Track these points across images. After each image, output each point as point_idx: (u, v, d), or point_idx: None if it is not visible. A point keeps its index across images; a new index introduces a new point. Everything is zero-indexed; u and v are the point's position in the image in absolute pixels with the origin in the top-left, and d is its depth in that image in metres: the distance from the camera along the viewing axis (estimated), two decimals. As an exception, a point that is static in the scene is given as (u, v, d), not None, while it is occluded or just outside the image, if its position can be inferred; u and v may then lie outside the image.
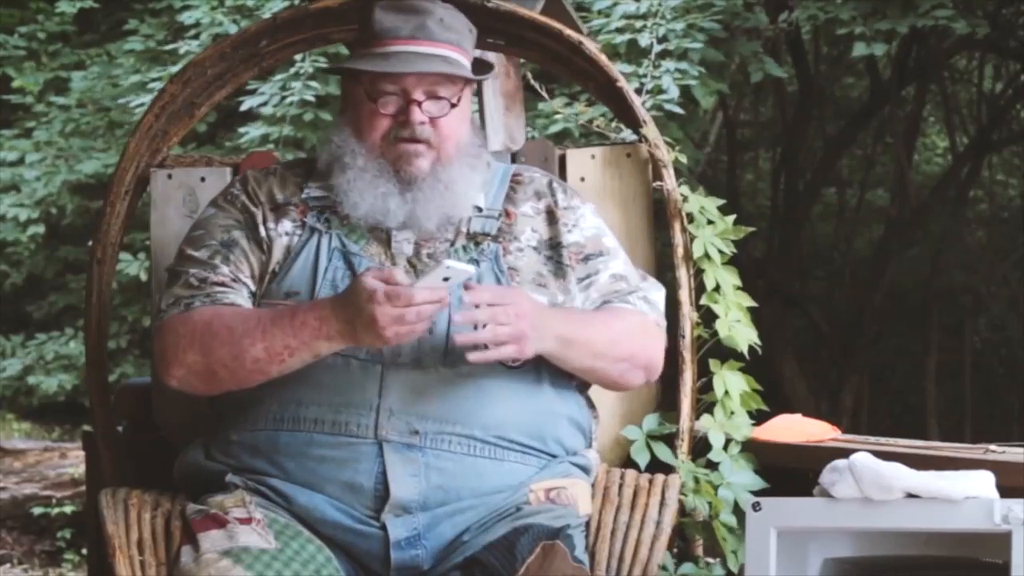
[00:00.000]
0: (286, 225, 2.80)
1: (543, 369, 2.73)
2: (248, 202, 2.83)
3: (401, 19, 2.75)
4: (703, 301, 3.03)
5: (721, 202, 3.11)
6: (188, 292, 2.74)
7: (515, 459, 2.70)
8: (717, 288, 3.04)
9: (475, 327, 2.60)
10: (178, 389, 2.73)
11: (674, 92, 5.56)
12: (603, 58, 3.15)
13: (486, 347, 2.60)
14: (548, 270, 2.82)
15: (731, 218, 3.09)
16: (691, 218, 3.07)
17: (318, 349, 2.62)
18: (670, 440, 3.00)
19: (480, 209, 2.82)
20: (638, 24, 5.82)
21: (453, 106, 2.75)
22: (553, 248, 2.83)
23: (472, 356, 2.59)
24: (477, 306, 2.59)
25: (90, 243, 3.18)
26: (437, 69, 2.73)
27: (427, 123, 2.75)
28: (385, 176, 2.75)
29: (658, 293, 2.88)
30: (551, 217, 2.85)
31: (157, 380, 2.87)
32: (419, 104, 2.74)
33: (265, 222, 2.80)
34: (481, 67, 2.85)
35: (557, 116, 5.66)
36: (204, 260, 2.77)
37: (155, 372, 2.84)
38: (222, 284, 2.75)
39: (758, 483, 2.95)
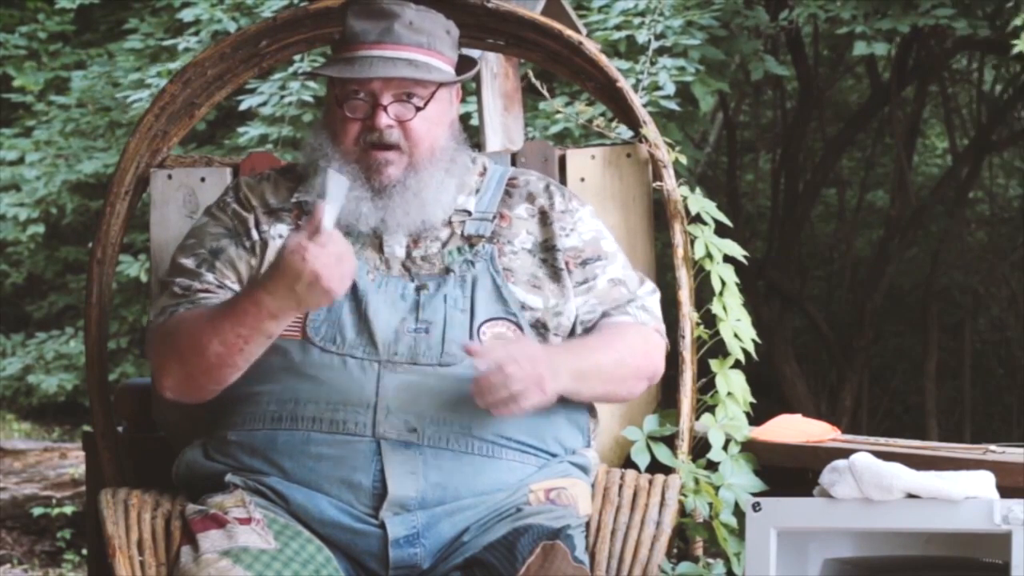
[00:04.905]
0: (280, 228, 2.81)
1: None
2: (239, 208, 2.84)
3: (370, 24, 2.76)
4: (713, 307, 3.03)
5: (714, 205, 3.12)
6: (173, 301, 2.77)
7: (514, 457, 2.70)
8: (722, 291, 3.04)
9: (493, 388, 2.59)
10: (176, 400, 2.74)
11: (670, 89, 5.56)
12: (603, 58, 3.15)
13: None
14: (543, 272, 2.82)
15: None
16: (694, 218, 3.07)
17: (268, 330, 2.62)
18: (670, 441, 3.00)
19: (470, 212, 2.82)
20: (636, 21, 5.82)
21: (419, 109, 2.75)
22: (547, 251, 2.84)
23: (500, 411, 2.61)
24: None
25: (90, 243, 3.18)
26: (400, 74, 2.74)
27: (395, 127, 2.75)
28: (358, 181, 2.76)
29: (654, 298, 2.89)
30: (544, 219, 2.86)
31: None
32: (385, 108, 2.74)
33: (258, 225, 2.82)
34: (464, 66, 2.85)
35: (558, 116, 5.67)
36: (191, 269, 2.79)
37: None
38: (206, 291, 2.76)
39: (758, 484, 2.95)
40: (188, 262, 2.81)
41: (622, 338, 2.80)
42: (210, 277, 2.78)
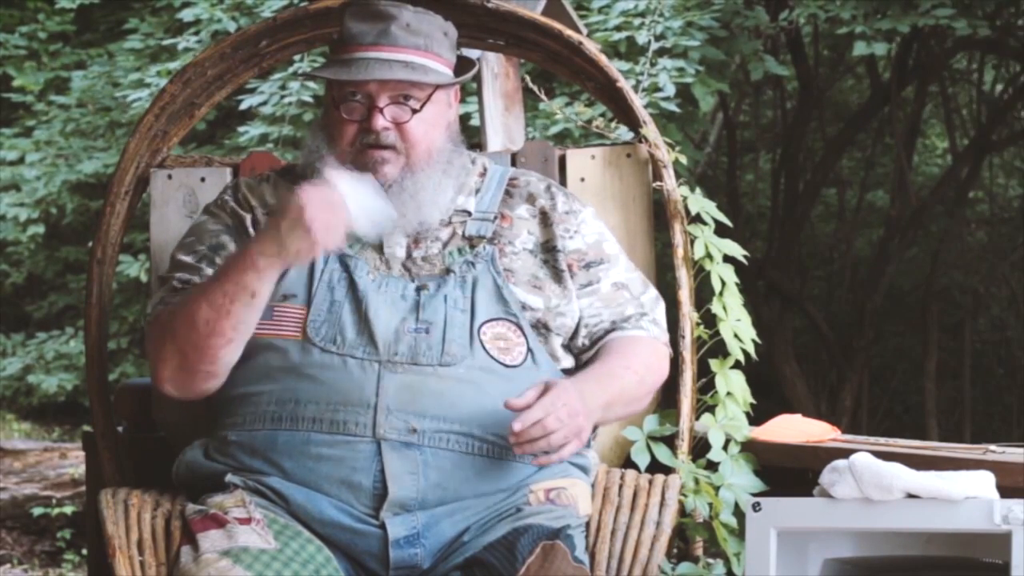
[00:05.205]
0: (280, 229, 2.81)
1: (540, 368, 2.74)
2: (238, 207, 2.85)
3: (367, 25, 2.77)
4: (713, 307, 3.03)
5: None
6: (172, 295, 2.76)
7: (514, 457, 2.70)
8: (722, 291, 3.05)
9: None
10: (175, 395, 2.74)
11: (670, 90, 5.56)
12: (603, 58, 3.15)
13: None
14: (544, 273, 2.82)
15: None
16: (694, 218, 3.07)
17: (248, 284, 2.61)
18: (670, 441, 3.00)
19: (470, 213, 2.83)
20: (636, 22, 5.82)
21: (415, 111, 2.75)
22: (548, 252, 2.84)
23: (539, 460, 2.63)
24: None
25: (90, 243, 3.18)
26: (397, 76, 2.74)
27: (391, 129, 2.76)
28: None
29: (660, 308, 2.92)
30: (545, 220, 2.86)
31: (156, 383, 2.88)
32: (381, 110, 2.75)
33: (255, 225, 2.82)
34: (463, 67, 2.85)
35: (557, 117, 5.66)
36: (192, 264, 2.80)
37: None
38: None
39: (758, 484, 2.95)
40: (188, 258, 2.81)
41: (638, 356, 2.83)
42: (210, 272, 2.78)
